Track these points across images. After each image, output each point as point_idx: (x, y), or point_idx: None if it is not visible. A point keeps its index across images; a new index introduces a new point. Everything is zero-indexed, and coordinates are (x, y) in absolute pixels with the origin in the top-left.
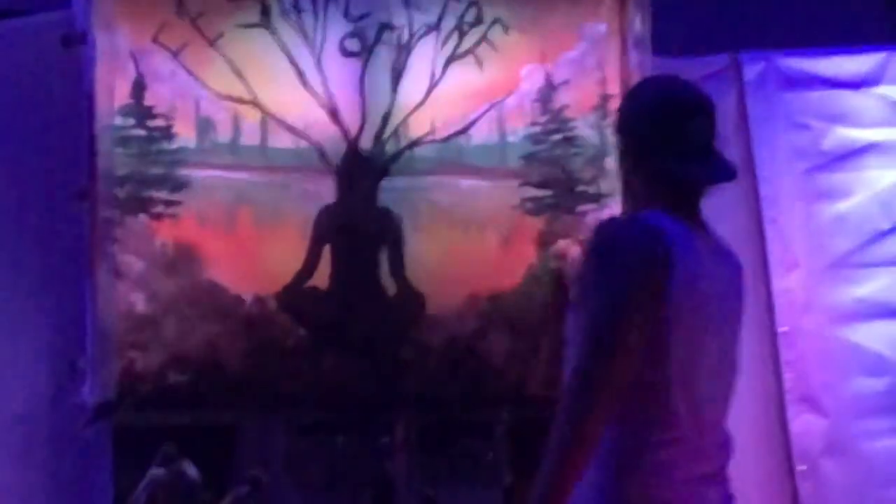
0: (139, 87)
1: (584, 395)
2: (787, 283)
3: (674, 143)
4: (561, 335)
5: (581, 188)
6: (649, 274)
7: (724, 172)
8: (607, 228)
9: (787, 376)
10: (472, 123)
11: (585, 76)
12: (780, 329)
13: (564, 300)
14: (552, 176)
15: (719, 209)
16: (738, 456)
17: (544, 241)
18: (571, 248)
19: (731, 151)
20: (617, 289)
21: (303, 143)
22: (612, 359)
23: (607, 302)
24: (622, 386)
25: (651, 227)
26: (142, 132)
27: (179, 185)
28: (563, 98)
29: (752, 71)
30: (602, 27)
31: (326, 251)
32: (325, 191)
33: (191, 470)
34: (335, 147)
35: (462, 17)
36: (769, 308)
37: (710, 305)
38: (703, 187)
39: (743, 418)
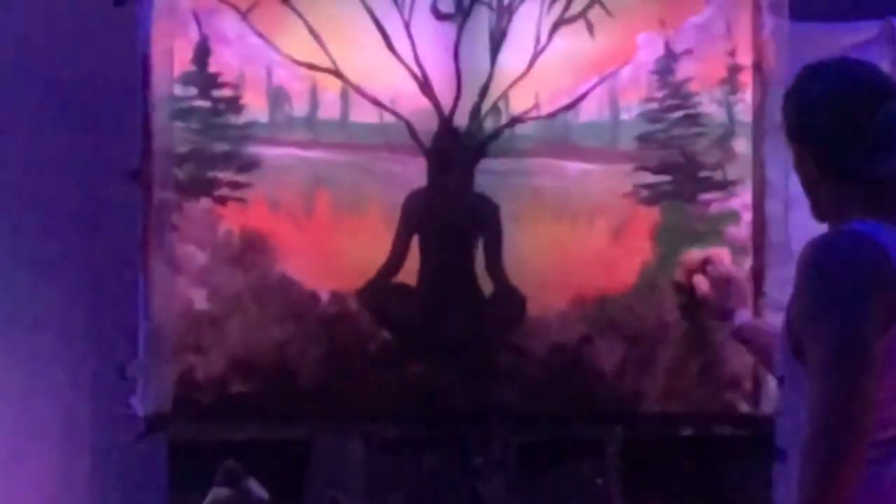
0: (202, 52)
1: (843, 434)
2: None
3: (865, 137)
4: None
5: (705, 174)
6: (881, 295)
7: None
8: (824, 249)
9: None
10: (582, 98)
11: (712, 45)
12: None
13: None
14: (671, 159)
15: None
16: None
17: (661, 235)
18: (713, 261)
19: None
20: (852, 315)
21: (389, 118)
22: (863, 390)
23: (846, 333)
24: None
25: (872, 242)
26: (205, 103)
27: (248, 165)
28: (685, 70)
29: None
30: None
31: (415, 243)
32: (414, 173)
33: (258, 489)
34: (426, 123)
35: None
36: None
37: None
38: None
39: None
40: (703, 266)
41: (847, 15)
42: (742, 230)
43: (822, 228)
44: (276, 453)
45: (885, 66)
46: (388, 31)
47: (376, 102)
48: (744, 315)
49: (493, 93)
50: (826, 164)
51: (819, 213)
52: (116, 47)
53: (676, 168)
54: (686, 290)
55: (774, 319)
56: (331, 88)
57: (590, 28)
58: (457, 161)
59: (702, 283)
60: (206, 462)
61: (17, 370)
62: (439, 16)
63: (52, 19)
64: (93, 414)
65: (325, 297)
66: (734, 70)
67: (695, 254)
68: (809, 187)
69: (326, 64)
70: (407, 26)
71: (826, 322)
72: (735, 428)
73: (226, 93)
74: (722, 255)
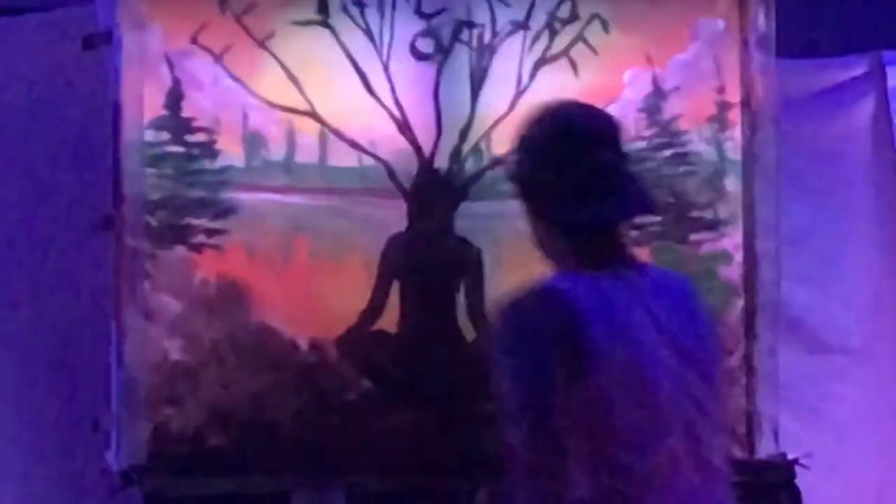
0: (175, 96)
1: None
2: None
3: (565, 184)
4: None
5: (695, 214)
6: (563, 354)
7: (637, 207)
8: (510, 309)
9: None
10: None
11: (700, 82)
12: None
13: None
14: (660, 199)
15: (858, 240)
16: None
17: None
18: None
19: (870, 170)
20: (529, 372)
21: (368, 161)
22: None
23: (523, 391)
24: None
25: (553, 294)
26: (178, 149)
27: (224, 211)
28: (673, 107)
29: None
30: (719, 24)
31: (395, 288)
32: (394, 217)
33: None
34: (406, 165)
35: (554, 12)
36: None
37: (650, 352)
38: (616, 226)
39: (888, 484)
40: None
41: (835, 49)
42: (734, 270)
43: (823, 272)
44: None
45: (871, 101)
46: (367, 72)
47: (355, 145)
48: None
49: (475, 134)
50: (535, 210)
51: (546, 260)
52: (87, 91)
53: (666, 208)
54: None
55: (767, 362)
56: (308, 132)
57: (574, 67)
58: (438, 204)
59: None
60: None
61: None
62: (419, 56)
63: (21, 64)
64: (65, 468)
65: (304, 345)
66: (723, 107)
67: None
68: (532, 233)
69: (303, 107)
70: (385, 67)
71: (506, 382)
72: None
73: (200, 137)
74: None
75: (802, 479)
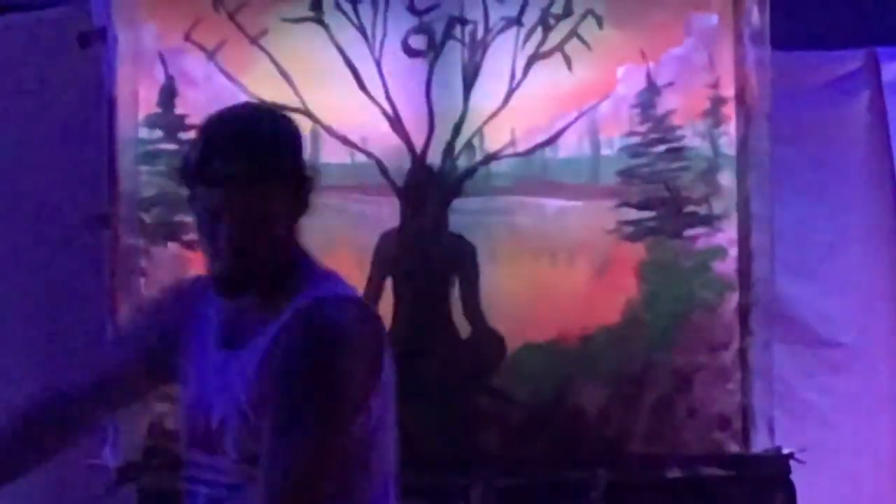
0: (169, 94)
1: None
2: None
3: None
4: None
5: (690, 209)
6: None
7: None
8: (327, 316)
9: None
10: (560, 133)
11: (694, 77)
12: None
13: None
14: (655, 195)
15: (853, 234)
16: None
17: (646, 272)
18: None
19: (865, 165)
20: (347, 389)
21: (360, 158)
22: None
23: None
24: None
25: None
26: (172, 146)
27: None
28: (667, 103)
29: (892, 70)
30: (713, 19)
31: (388, 285)
32: (387, 213)
33: None
34: (398, 162)
35: (548, 8)
36: None
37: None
38: None
39: (883, 480)
40: None
41: (830, 44)
42: (728, 265)
43: (818, 266)
44: None
45: (866, 96)
46: (359, 69)
47: (347, 142)
48: None
49: (468, 130)
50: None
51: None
52: (82, 89)
53: (661, 203)
54: None
55: (761, 356)
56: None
57: (567, 62)
58: (430, 200)
59: None
60: None
61: None
62: (411, 53)
63: (18, 62)
64: (62, 465)
65: None
66: (717, 102)
67: None
68: None
69: (296, 104)
70: (378, 64)
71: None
72: (723, 469)
73: (193, 134)
74: None
75: (796, 473)
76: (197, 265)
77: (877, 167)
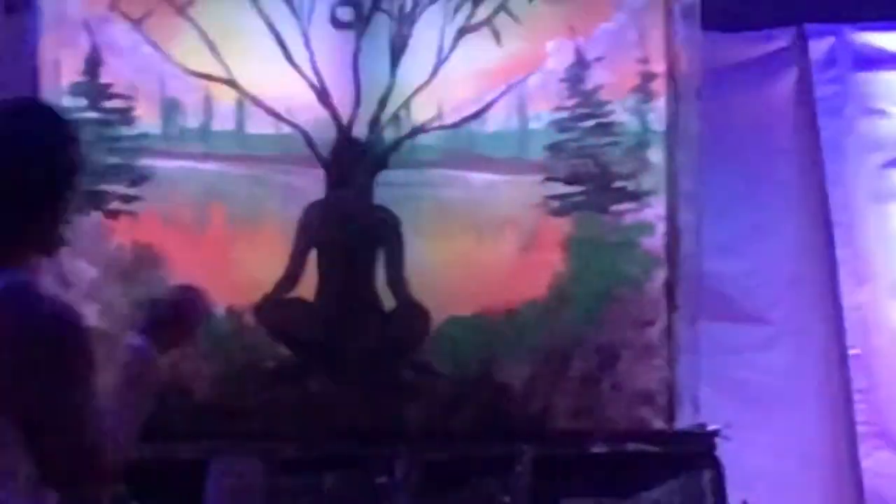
0: (93, 63)
1: None
2: (858, 299)
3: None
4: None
5: (618, 184)
6: None
7: None
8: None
9: (860, 407)
10: (488, 107)
11: (623, 52)
12: (851, 352)
13: None
14: (583, 169)
15: (780, 211)
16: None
17: (573, 247)
18: None
19: (793, 142)
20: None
21: (286, 129)
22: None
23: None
24: None
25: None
26: (96, 115)
27: (140, 178)
28: (596, 77)
29: (819, 48)
30: None
31: (313, 256)
32: (312, 185)
33: None
34: (324, 134)
35: None
36: (838, 328)
37: None
38: None
39: (809, 455)
40: None
41: (758, 22)
42: (656, 241)
43: (745, 243)
44: (170, 475)
45: (794, 73)
46: (286, 40)
47: (272, 112)
48: None
49: (394, 103)
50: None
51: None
52: (4, 57)
53: (588, 178)
54: None
55: (688, 332)
56: (226, 99)
57: (496, 35)
58: (356, 172)
59: None
60: None
61: None
62: (338, 24)
63: None
64: None
65: (220, 313)
66: (647, 78)
67: None
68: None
69: (222, 74)
70: (305, 35)
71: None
72: (648, 445)
73: (117, 104)
74: None
75: (724, 450)
76: (120, 234)
77: (805, 144)
